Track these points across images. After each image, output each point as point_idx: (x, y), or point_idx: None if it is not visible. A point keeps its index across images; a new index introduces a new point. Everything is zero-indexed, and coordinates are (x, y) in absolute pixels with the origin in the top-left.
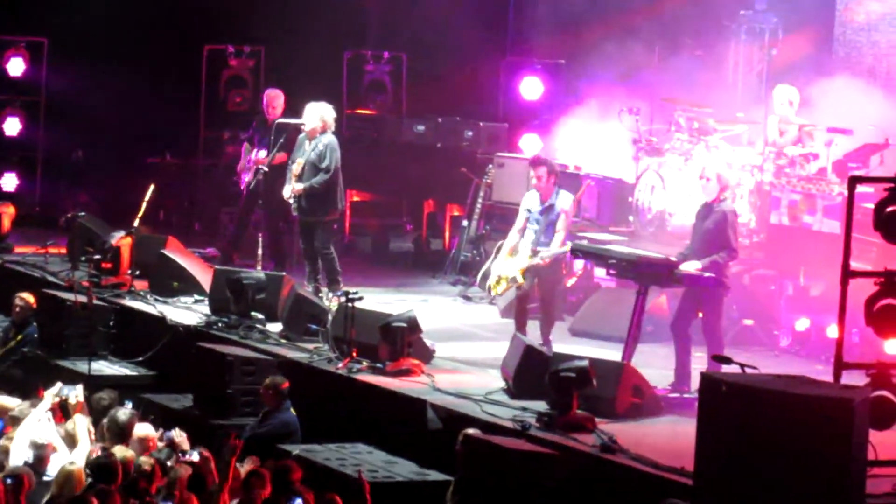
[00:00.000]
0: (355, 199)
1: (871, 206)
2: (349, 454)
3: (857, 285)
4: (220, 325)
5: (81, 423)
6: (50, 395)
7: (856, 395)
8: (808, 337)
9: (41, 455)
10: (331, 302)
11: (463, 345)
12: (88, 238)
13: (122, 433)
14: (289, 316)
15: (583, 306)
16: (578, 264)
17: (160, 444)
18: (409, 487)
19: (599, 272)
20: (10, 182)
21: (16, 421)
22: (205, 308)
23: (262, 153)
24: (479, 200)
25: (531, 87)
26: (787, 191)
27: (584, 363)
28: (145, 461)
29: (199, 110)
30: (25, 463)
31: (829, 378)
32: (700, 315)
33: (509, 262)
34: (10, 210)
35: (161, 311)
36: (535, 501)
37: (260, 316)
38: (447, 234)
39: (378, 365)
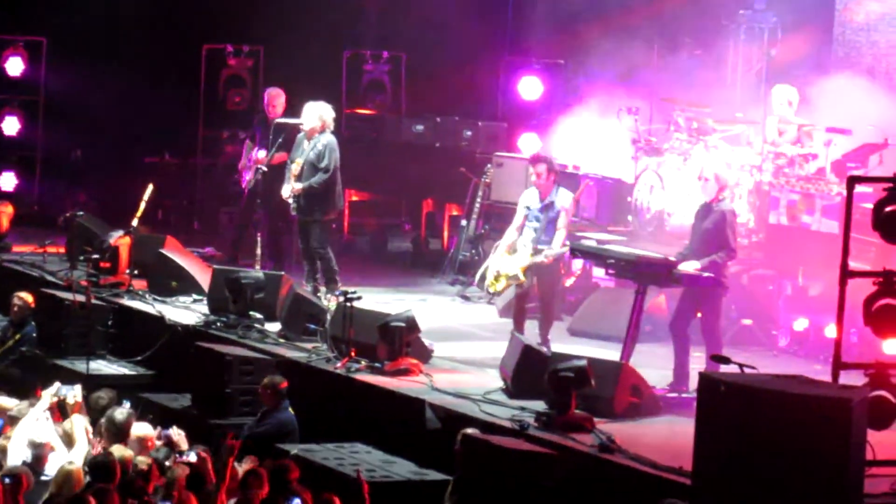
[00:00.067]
0: (354, 198)
1: (870, 205)
2: (347, 454)
3: (856, 285)
4: (218, 324)
5: (79, 423)
6: (48, 395)
7: (854, 395)
8: (806, 337)
9: (39, 454)
10: (329, 301)
11: (461, 344)
12: (87, 237)
13: (119, 433)
14: (287, 315)
15: (581, 306)
16: (577, 264)
17: (158, 444)
18: (407, 487)
19: (598, 272)
20: (8, 181)
21: (14, 420)
22: (203, 307)
23: (262, 153)
24: (478, 200)
25: (530, 87)
26: (785, 191)
27: (583, 363)
28: (143, 460)
29: (198, 110)
30: (24, 462)
31: (827, 378)
32: (699, 315)
33: (508, 259)
34: (8, 209)
35: (160, 311)
36: (534, 501)
37: (258, 315)
38: (446, 234)
39: (376, 364)
